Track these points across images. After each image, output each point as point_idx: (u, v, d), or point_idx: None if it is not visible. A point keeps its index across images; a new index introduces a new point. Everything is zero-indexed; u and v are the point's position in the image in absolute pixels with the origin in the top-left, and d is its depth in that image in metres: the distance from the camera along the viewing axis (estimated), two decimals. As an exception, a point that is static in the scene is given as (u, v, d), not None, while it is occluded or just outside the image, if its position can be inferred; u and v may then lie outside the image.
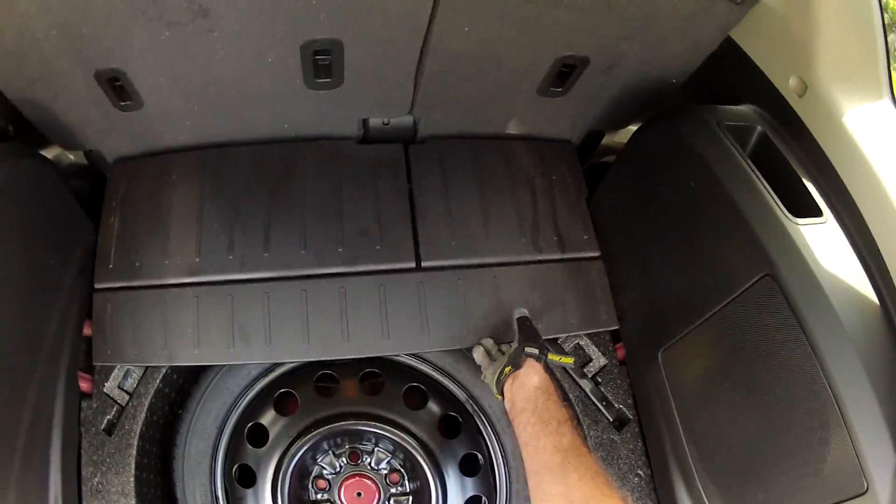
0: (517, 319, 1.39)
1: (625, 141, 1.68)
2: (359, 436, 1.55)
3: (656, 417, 1.40)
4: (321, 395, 1.55)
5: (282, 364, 1.58)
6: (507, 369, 1.27)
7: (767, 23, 1.28)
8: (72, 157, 1.77)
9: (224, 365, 1.55)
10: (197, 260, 1.53)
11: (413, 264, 1.57)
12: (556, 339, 1.59)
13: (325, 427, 1.49)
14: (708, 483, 1.27)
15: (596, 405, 1.53)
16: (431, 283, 1.56)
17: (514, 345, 1.32)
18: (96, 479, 1.41)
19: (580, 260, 1.63)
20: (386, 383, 1.57)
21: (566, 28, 1.28)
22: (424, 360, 1.61)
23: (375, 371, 1.58)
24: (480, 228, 1.63)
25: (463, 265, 1.59)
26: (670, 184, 1.37)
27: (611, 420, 1.52)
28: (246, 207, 1.59)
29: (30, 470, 1.27)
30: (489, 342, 1.46)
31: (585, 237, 1.65)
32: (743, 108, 1.34)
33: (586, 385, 1.55)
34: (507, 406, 1.26)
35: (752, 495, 1.16)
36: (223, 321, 1.49)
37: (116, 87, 1.38)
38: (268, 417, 1.54)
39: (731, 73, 1.40)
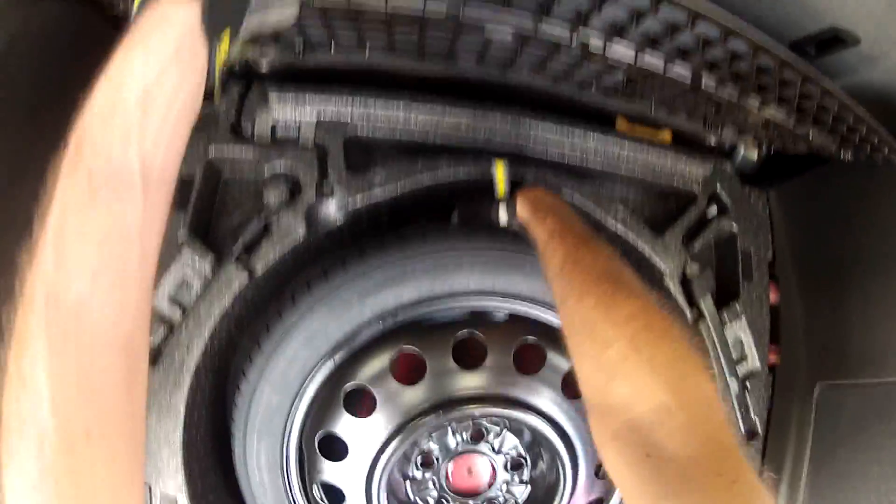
0: None
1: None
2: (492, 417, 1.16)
3: (784, 454, 1.31)
4: (459, 364, 1.10)
5: (405, 309, 1.11)
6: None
7: None
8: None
9: (312, 296, 1.09)
10: None
11: None
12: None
13: (458, 410, 1.08)
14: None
15: (737, 413, 1.32)
16: None
17: None
18: None
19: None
20: (546, 358, 1.14)
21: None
22: None
23: (534, 341, 1.15)
24: None
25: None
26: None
27: (744, 432, 1.33)
28: None
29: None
30: None
31: None
32: None
33: (734, 386, 1.31)
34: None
35: None
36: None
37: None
38: (376, 380, 1.10)
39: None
